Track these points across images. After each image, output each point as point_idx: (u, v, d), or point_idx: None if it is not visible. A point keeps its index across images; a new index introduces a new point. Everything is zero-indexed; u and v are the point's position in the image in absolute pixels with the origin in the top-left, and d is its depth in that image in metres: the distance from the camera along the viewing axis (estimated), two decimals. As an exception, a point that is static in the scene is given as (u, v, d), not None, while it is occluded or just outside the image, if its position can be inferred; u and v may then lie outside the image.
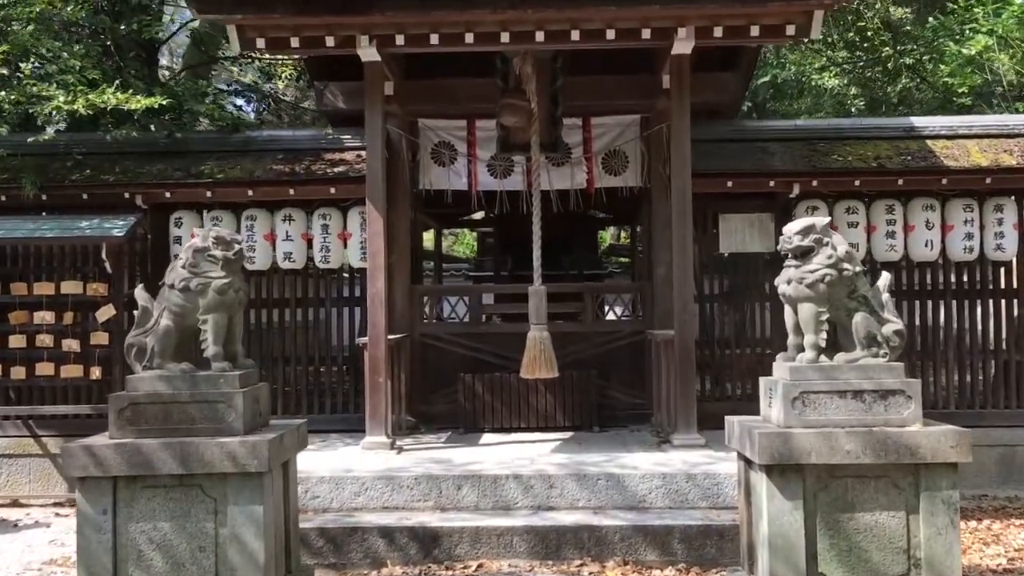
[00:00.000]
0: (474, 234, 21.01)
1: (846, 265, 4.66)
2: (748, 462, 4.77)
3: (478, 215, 18.32)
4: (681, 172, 7.03)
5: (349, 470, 6.19)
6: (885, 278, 4.82)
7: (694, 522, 5.63)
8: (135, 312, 4.83)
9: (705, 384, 8.12)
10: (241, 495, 4.44)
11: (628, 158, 8.46)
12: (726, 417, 5.07)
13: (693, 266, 7.26)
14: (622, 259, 23.12)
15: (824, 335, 4.65)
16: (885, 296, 4.75)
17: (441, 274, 15.71)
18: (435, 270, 16.22)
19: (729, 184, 7.79)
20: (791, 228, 4.76)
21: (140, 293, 4.86)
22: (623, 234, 28.57)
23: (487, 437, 7.67)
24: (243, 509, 4.43)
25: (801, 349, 4.71)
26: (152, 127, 8.54)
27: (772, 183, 7.77)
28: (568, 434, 7.72)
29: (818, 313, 4.62)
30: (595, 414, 7.94)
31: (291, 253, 8.00)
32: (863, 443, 4.38)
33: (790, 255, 4.75)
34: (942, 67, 10.87)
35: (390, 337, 7.33)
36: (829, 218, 4.81)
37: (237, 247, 4.79)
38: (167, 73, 11.69)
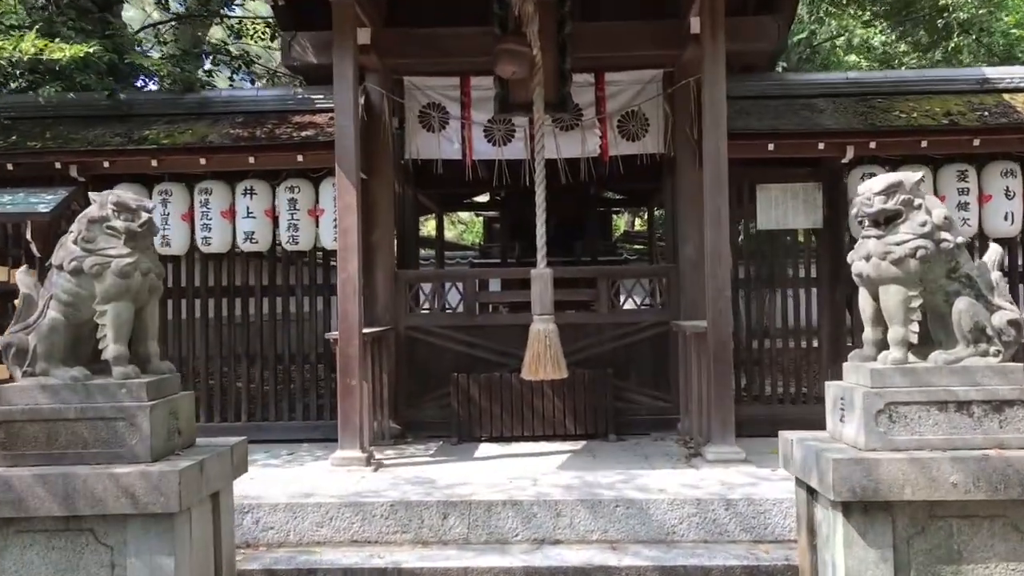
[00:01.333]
0: (482, 219, 19.90)
1: (944, 235, 3.60)
2: (811, 492, 3.74)
3: (482, 198, 17.37)
4: (714, 132, 5.96)
5: (310, 494, 5.17)
6: (995, 251, 3.75)
7: (736, 561, 4.59)
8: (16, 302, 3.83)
9: (740, 382, 7.05)
10: (144, 543, 3.44)
11: (648, 120, 7.37)
12: (781, 434, 4.03)
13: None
14: (637, 246, 22.12)
15: (915, 327, 3.60)
16: (995, 275, 3.69)
17: (444, 262, 14.69)
18: (437, 257, 15.25)
19: (770, 147, 6.70)
20: (871, 187, 3.70)
21: (23, 277, 3.85)
22: (638, 221, 27.54)
23: (483, 448, 6.64)
24: (148, 561, 3.43)
25: (884, 346, 3.66)
26: (100, 89, 7.49)
27: (821, 145, 6.67)
28: (579, 444, 6.68)
29: (908, 298, 3.57)
30: (611, 420, 6.90)
31: (253, 233, 6.97)
32: (974, 473, 3.33)
33: (868, 222, 3.69)
34: (1004, 18, 9.71)
35: (368, 331, 6.30)
36: (921, 173, 3.74)
37: (145, 216, 3.77)
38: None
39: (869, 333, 3.74)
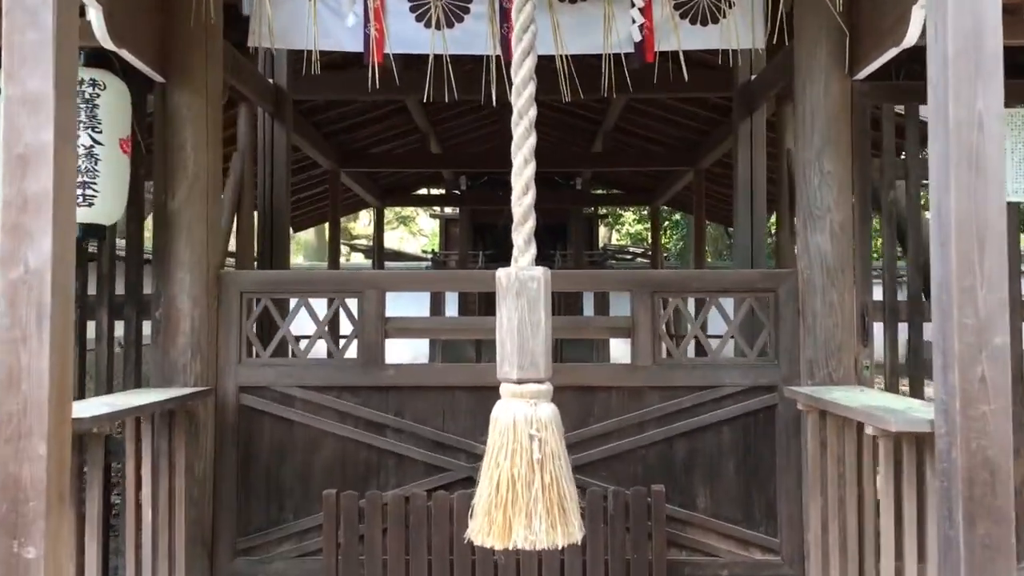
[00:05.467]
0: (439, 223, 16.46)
1: None
2: None
3: (437, 191, 13.98)
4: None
5: None
6: None
7: None
8: None
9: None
10: None
11: (732, -10, 3.94)
12: None
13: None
14: (624, 259, 19.03)
15: None
16: None
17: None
18: (375, 267, 11.87)
19: None
20: None
21: None
22: (617, 234, 24.23)
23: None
24: None
25: None
26: None
27: None
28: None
29: None
30: (661, 589, 3.42)
31: None
32: None
33: None
34: None
35: (138, 402, 2.76)
36: None
37: None
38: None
39: None
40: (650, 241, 23.46)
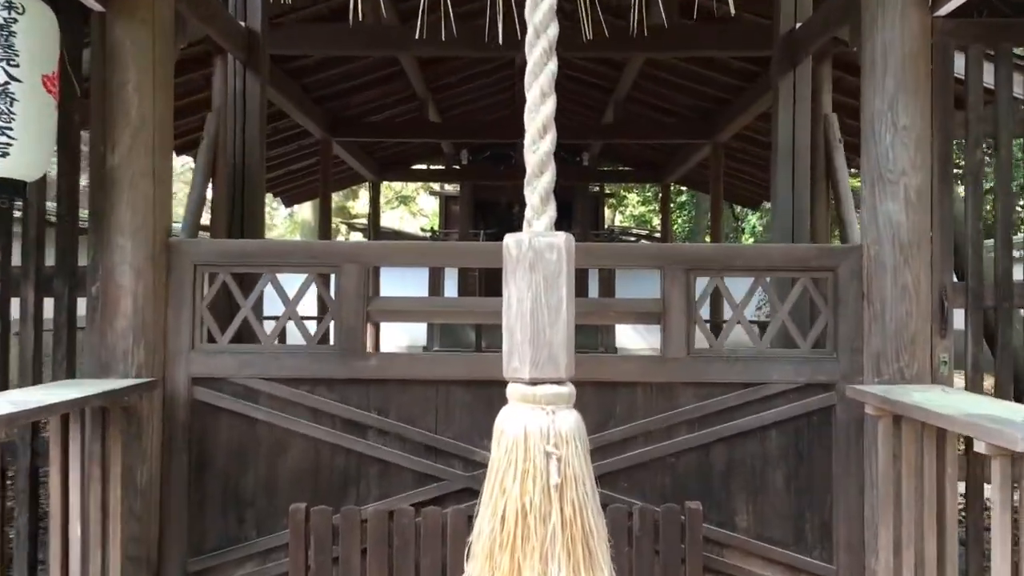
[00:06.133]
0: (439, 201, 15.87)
1: None
2: None
3: (437, 167, 13.35)
4: None
5: None
6: None
7: None
8: None
9: None
10: None
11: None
12: None
13: None
14: (627, 240, 18.54)
15: None
16: None
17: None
18: (369, 244, 11.18)
19: None
20: None
21: None
22: (620, 215, 23.55)
23: None
24: None
25: None
26: None
27: None
28: None
29: None
30: (695, 625, 2.86)
31: None
32: None
33: None
34: None
35: (58, 399, 2.20)
36: None
37: None
38: None
39: None
40: (654, 223, 22.89)
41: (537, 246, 1.77)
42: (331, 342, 3.11)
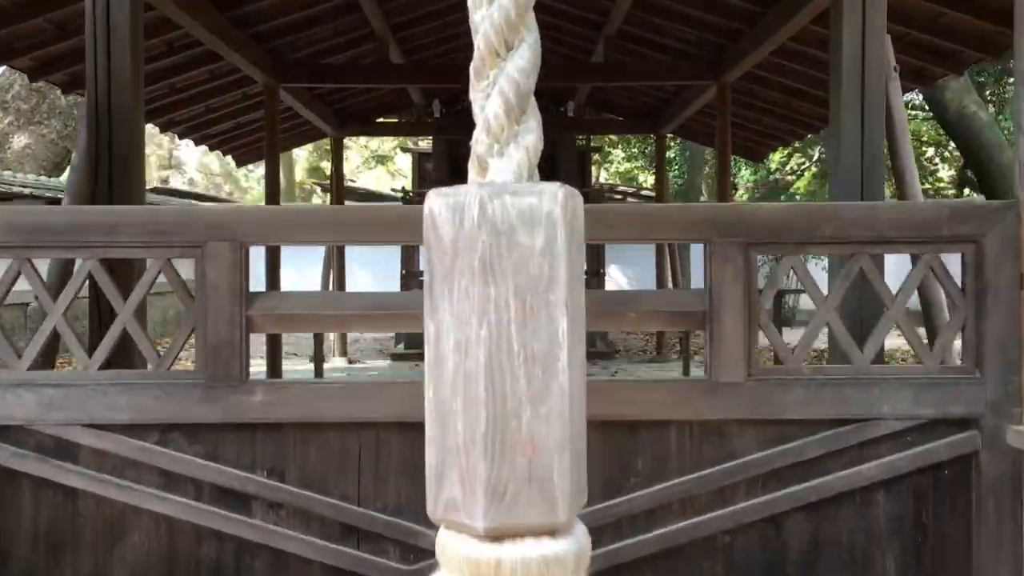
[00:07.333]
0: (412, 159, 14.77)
1: None
2: None
3: (407, 120, 12.17)
4: None
5: None
6: None
7: None
8: None
9: None
10: None
11: None
12: None
13: None
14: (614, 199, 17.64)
15: None
16: None
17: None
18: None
19: None
20: None
21: None
22: (606, 172, 22.36)
23: None
24: None
25: None
26: None
27: None
28: None
29: None
30: None
31: None
32: None
33: None
34: None
35: None
36: None
37: None
38: None
39: None
40: (640, 180, 21.77)
41: (499, 217, 0.65)
42: (192, 365, 2.01)
